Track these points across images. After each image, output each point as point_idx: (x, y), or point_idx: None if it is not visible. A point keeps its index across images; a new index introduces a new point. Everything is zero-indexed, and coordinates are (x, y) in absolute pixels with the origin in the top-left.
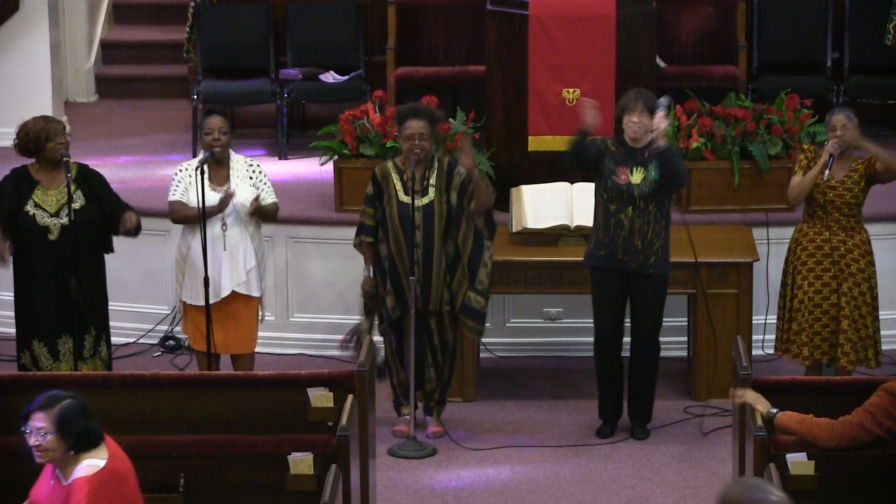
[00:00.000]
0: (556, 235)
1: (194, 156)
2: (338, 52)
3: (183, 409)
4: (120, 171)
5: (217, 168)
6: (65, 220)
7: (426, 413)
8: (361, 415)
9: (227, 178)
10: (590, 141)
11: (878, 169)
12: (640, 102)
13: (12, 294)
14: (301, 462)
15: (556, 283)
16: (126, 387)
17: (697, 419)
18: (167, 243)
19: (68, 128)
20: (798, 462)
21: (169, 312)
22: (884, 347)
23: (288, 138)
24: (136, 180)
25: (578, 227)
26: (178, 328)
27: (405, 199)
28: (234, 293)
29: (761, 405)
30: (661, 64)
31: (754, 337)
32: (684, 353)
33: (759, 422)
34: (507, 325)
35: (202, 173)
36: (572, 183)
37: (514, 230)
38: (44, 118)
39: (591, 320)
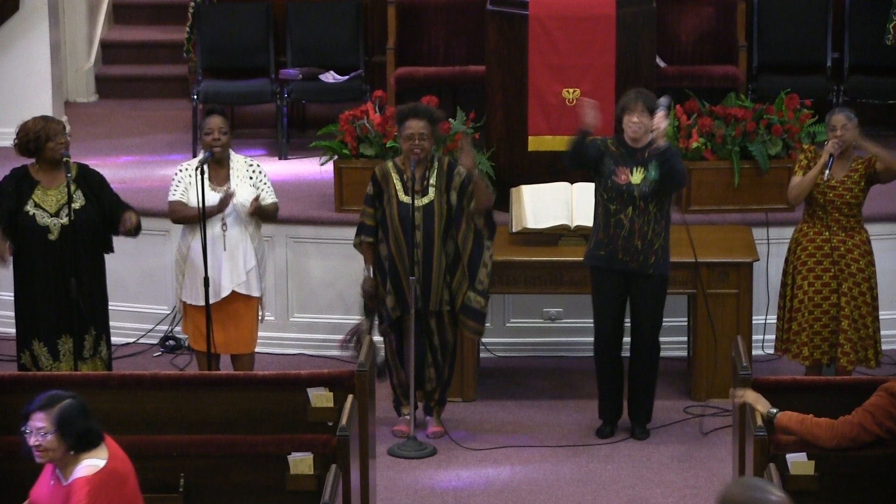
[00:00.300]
0: (556, 235)
1: (194, 156)
2: (338, 52)
3: (183, 409)
4: (120, 171)
5: (217, 168)
6: (65, 220)
7: (426, 413)
8: (361, 415)
9: (227, 178)
10: (590, 141)
11: (878, 169)
12: (640, 102)
13: (12, 294)
14: (301, 462)
15: (556, 283)
16: (126, 387)
17: (697, 419)
18: (167, 243)
19: (68, 128)
20: (798, 462)
21: (169, 312)
22: (884, 347)
23: (288, 138)
24: (136, 180)
25: (578, 227)
26: (178, 328)
27: (405, 199)
28: (234, 293)
29: (761, 405)
30: (661, 64)
31: (754, 337)
32: (684, 353)
33: (759, 422)
34: (507, 325)
35: (202, 173)
36: (572, 183)
37: (514, 230)
38: (44, 118)
39: (591, 320)
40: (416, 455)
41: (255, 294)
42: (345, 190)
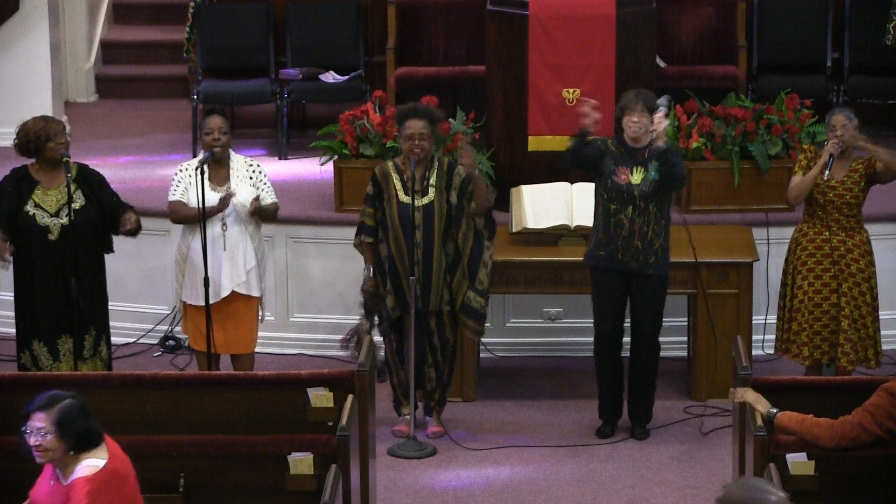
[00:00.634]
0: (556, 235)
1: (194, 156)
2: (338, 52)
3: (183, 409)
4: (120, 171)
5: (217, 168)
6: (65, 220)
7: (426, 413)
8: (361, 415)
9: (227, 178)
10: (590, 141)
11: (878, 169)
12: (640, 102)
13: (12, 294)
14: (301, 462)
15: (556, 283)
16: (126, 387)
17: (697, 419)
18: (167, 243)
19: (68, 128)
20: (798, 462)
21: (169, 312)
22: (884, 347)
23: (288, 138)
24: (136, 180)
25: (578, 227)
26: (178, 328)
27: (405, 199)
28: (234, 293)
29: (761, 405)
30: (661, 64)
31: (754, 337)
32: (684, 353)
33: (759, 422)
34: (507, 325)
35: (202, 173)
36: (572, 183)
37: (514, 230)
38: (44, 118)
39: (591, 320)
40: (416, 455)
41: (255, 294)
42: (345, 190)
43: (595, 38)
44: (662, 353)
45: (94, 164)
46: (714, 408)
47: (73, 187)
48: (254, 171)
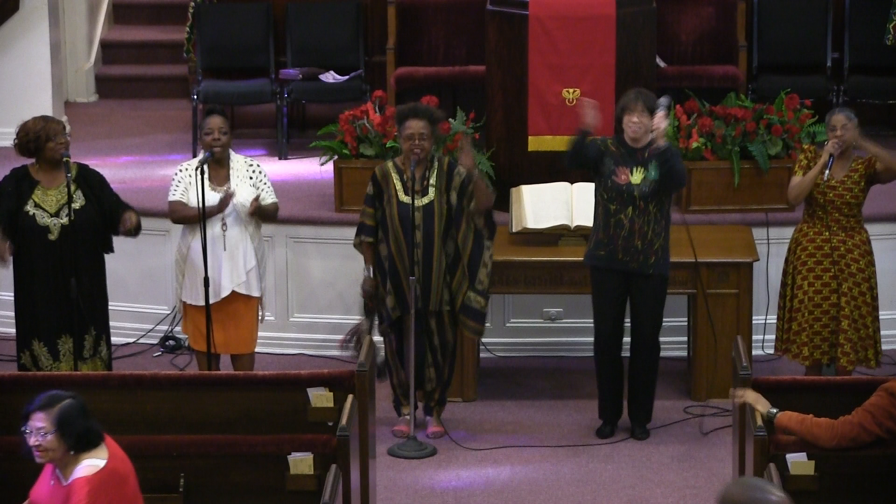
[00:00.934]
0: (556, 235)
1: (194, 156)
2: (338, 52)
3: (183, 409)
4: (120, 171)
5: (217, 168)
6: (65, 220)
7: (426, 413)
8: (361, 415)
9: (227, 178)
10: (590, 141)
11: (878, 169)
12: (640, 102)
13: (12, 294)
14: (301, 462)
15: (556, 283)
16: (126, 387)
17: (697, 419)
18: (167, 243)
19: (68, 128)
20: (798, 462)
21: (169, 312)
22: (884, 347)
23: (288, 138)
24: (136, 180)
25: (578, 227)
26: (178, 328)
27: (405, 199)
28: (234, 293)
29: (761, 405)
30: (661, 64)
31: (754, 337)
32: (684, 353)
33: (759, 422)
34: (507, 325)
35: (202, 173)
36: (572, 183)
37: (514, 230)
38: (44, 118)
39: (591, 320)
40: (416, 455)
41: (255, 294)
42: (345, 190)
43: (595, 38)
44: (662, 353)
45: (94, 164)
46: (714, 408)
47: (73, 187)
48: (254, 171)
